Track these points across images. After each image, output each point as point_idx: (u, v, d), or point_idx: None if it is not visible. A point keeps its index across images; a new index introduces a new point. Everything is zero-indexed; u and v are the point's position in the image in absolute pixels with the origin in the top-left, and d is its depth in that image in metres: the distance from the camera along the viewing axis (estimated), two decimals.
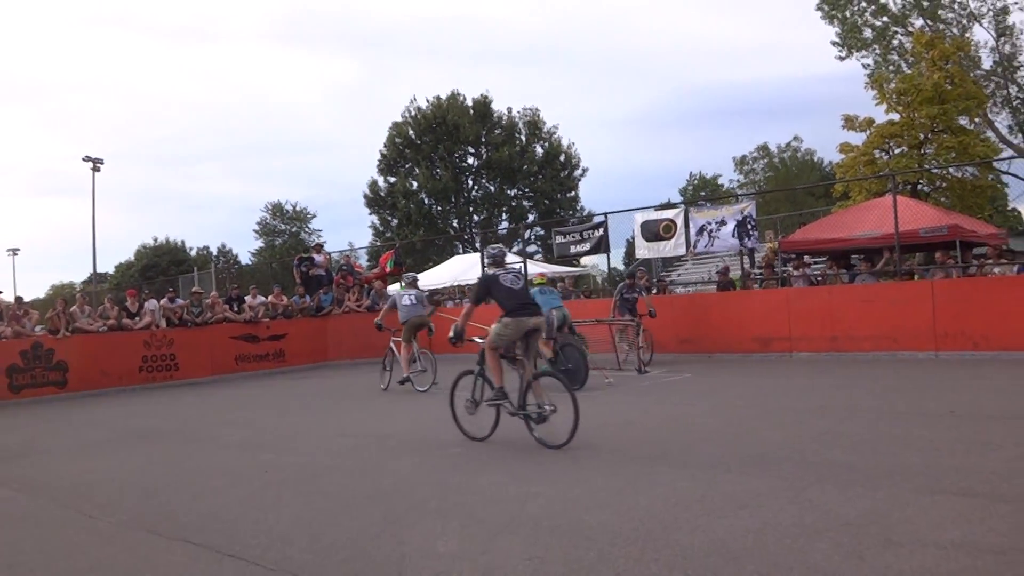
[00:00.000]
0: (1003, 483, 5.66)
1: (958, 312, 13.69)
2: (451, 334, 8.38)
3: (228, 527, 5.93)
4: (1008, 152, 30.43)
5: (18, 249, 64.64)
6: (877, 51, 31.93)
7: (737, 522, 5.15)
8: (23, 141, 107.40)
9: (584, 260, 30.96)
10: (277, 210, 61.84)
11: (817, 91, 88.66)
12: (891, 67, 31.34)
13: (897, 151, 27.09)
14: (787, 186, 45.74)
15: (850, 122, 27.84)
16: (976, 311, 13.51)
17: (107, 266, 64.26)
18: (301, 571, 4.82)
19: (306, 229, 61.90)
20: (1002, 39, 31.00)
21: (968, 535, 4.63)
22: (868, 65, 31.87)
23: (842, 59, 32.57)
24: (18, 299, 18.45)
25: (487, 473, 7.12)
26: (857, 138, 27.73)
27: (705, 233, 17.63)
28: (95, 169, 41.05)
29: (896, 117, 26.91)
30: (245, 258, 60.79)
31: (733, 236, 17.19)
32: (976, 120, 28.68)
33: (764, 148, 59.19)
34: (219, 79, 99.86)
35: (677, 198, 58.23)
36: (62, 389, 17.06)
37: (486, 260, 9.21)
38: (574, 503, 5.87)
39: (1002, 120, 31.94)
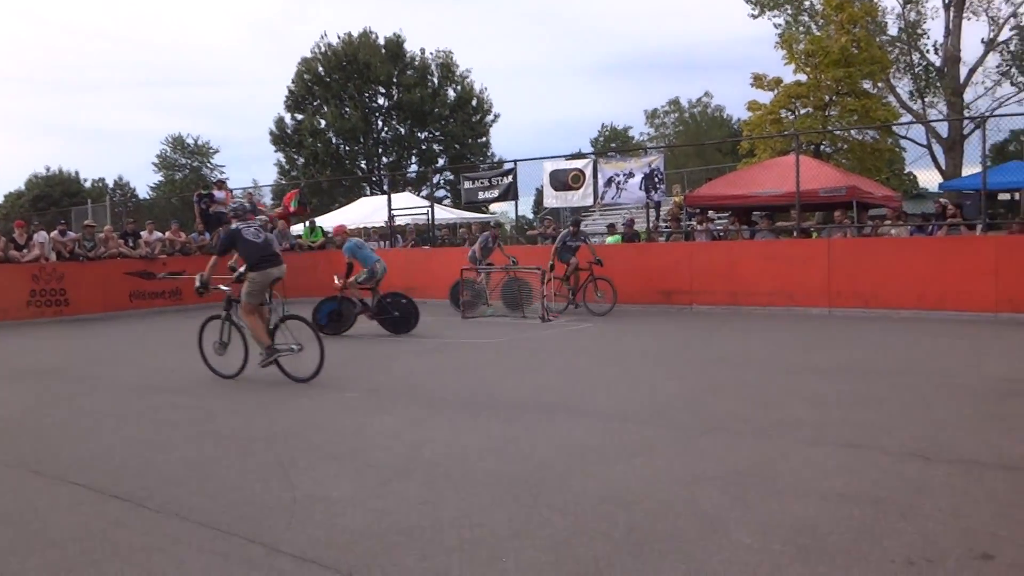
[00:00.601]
0: (885, 436, 5.87)
1: (852, 271, 14.13)
2: (197, 284, 8.97)
3: (115, 468, 5.74)
4: (907, 117, 31.36)
5: None
6: (789, 11, 32.31)
7: (630, 470, 5.22)
8: None
9: (492, 207, 30.88)
10: (178, 143, 59.68)
11: (729, 49, 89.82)
12: (801, 28, 31.78)
13: (803, 111, 27.66)
14: (696, 141, 46.33)
15: (759, 81, 28.24)
16: (868, 270, 13.97)
17: None
18: (189, 513, 4.69)
19: (208, 164, 59.99)
20: (908, 6, 31.71)
21: (849, 485, 4.78)
22: (779, 25, 32.24)
23: (755, 17, 32.84)
24: None
25: (383, 418, 7.05)
26: (765, 97, 28.18)
27: (613, 185, 17.70)
28: None
29: (803, 78, 27.42)
30: (143, 192, 58.73)
31: (640, 189, 17.29)
32: (879, 85, 29.45)
33: (675, 103, 59.75)
34: (121, 6, 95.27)
35: (588, 149, 58.48)
36: None
37: (229, 214, 9.86)
38: (469, 450, 5.86)
39: (903, 86, 32.83)
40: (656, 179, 17.14)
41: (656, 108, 60.19)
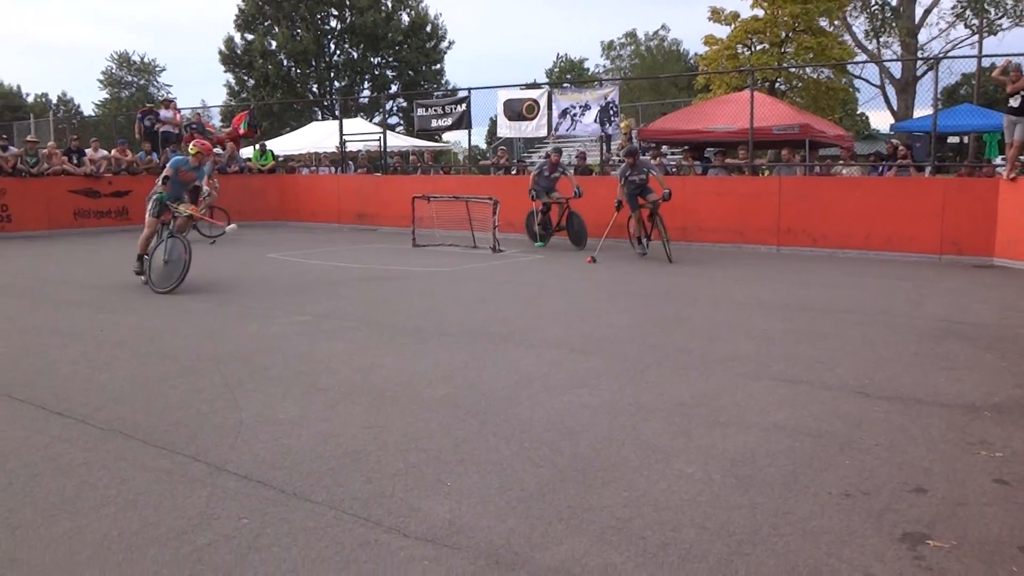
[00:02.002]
0: (827, 372, 5.99)
1: (801, 210, 14.26)
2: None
3: (58, 385, 5.66)
4: (862, 57, 31.49)
5: None
6: None
7: (576, 399, 5.27)
8: None
9: (446, 136, 30.52)
10: (124, 60, 57.92)
11: None
12: None
13: (759, 47, 27.62)
14: (651, 75, 46.12)
15: (716, 15, 28.11)
16: (818, 209, 14.10)
17: None
18: (133, 432, 4.66)
19: (155, 83, 58.40)
20: None
21: (790, 419, 4.88)
22: None
23: None
24: None
25: (332, 343, 7.03)
26: (722, 31, 28.09)
27: (568, 116, 17.56)
28: None
29: (760, 13, 27.33)
30: (88, 109, 57.08)
31: (595, 121, 17.20)
32: (835, 23, 29.46)
33: (632, 35, 59.27)
34: None
35: (543, 79, 57.90)
36: None
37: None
38: (417, 376, 5.87)
39: (859, 25, 32.92)
40: (611, 112, 17.04)
41: (612, 40, 59.69)
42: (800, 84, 27.51)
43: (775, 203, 14.49)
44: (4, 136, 20.03)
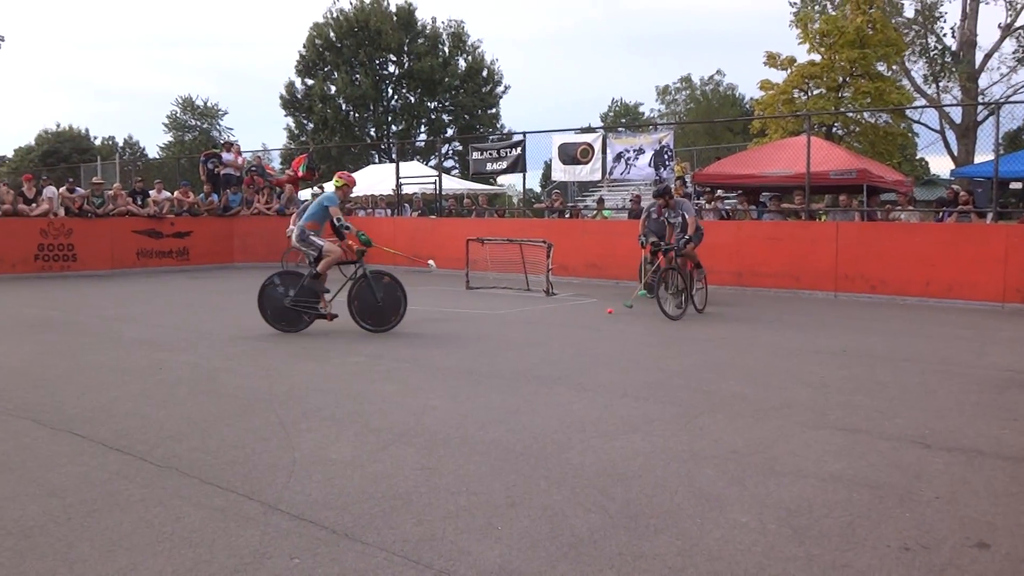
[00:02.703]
0: (886, 421, 5.87)
1: (859, 255, 14.06)
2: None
3: (117, 422, 5.78)
4: (921, 101, 31.13)
5: None
6: None
7: (629, 445, 5.23)
8: None
9: (500, 179, 30.78)
10: (188, 105, 59.50)
11: (744, 26, 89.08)
12: (816, 7, 31.50)
13: (816, 92, 27.51)
14: (706, 119, 46.09)
15: (772, 59, 28.08)
16: (876, 255, 13.90)
17: (6, 149, 61.34)
18: (189, 469, 4.73)
19: (217, 127, 59.89)
20: None
21: (847, 469, 4.78)
22: (795, 3, 31.94)
23: None
24: None
25: (385, 384, 7.07)
26: (778, 76, 28.06)
27: (622, 160, 17.63)
28: None
29: (817, 58, 27.27)
30: (153, 152, 58.67)
31: (649, 165, 17.24)
32: (893, 67, 29.25)
33: (687, 80, 59.38)
34: None
35: (598, 123, 58.19)
36: None
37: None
38: (469, 418, 5.88)
39: (918, 70, 32.58)
40: (665, 156, 17.07)
41: (668, 85, 59.85)
42: (858, 129, 27.26)
43: (832, 248, 14.31)
44: (71, 179, 20.68)
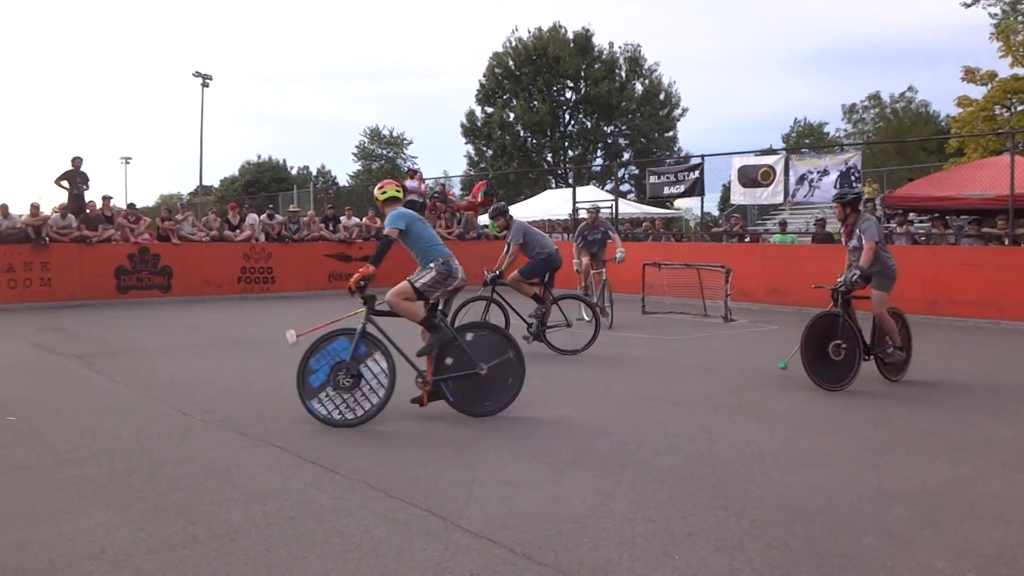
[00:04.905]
0: None
1: None
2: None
3: (311, 436, 6.13)
4: None
5: (130, 158, 68.13)
6: (1006, 0, 30.08)
7: (812, 479, 5.06)
8: (138, 55, 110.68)
9: (677, 203, 30.46)
10: (375, 135, 62.30)
11: (936, 40, 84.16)
12: (1020, 17, 29.53)
13: (1020, 108, 25.80)
14: (897, 138, 43.99)
15: (971, 75, 26.58)
16: None
17: (213, 179, 66.04)
18: (376, 483, 4.95)
19: (402, 155, 62.32)
20: None
21: None
22: (995, 15, 29.99)
23: (967, 6, 30.73)
24: (130, 205, 19.86)
25: (561, 408, 7.14)
26: (977, 92, 26.50)
27: (806, 182, 17.10)
28: (204, 85, 42.06)
29: (1021, 72, 25.55)
30: (343, 180, 61.64)
31: (835, 187, 16.62)
32: None
33: (876, 97, 56.69)
34: (323, 12, 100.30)
35: (779, 144, 56.56)
36: (165, 293, 17.94)
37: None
38: (645, 445, 5.85)
39: None
40: (852, 177, 16.42)
41: (854, 103, 57.38)
42: None
43: None
44: (271, 206, 22.07)
